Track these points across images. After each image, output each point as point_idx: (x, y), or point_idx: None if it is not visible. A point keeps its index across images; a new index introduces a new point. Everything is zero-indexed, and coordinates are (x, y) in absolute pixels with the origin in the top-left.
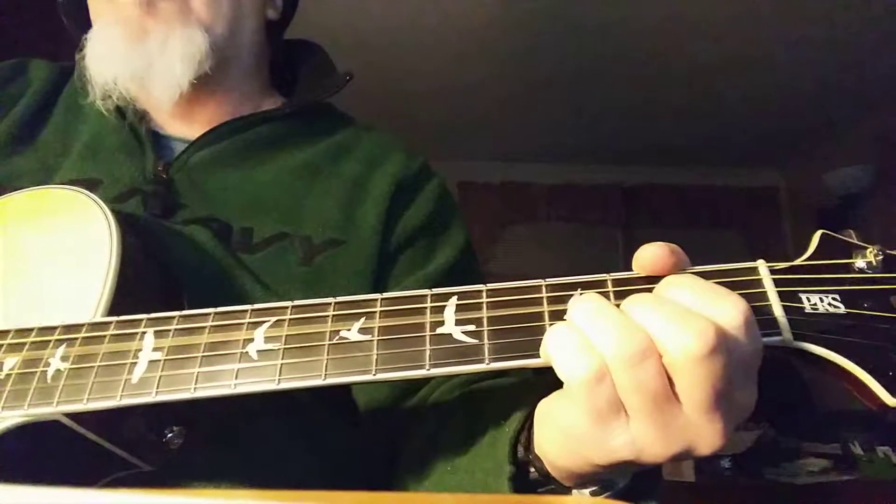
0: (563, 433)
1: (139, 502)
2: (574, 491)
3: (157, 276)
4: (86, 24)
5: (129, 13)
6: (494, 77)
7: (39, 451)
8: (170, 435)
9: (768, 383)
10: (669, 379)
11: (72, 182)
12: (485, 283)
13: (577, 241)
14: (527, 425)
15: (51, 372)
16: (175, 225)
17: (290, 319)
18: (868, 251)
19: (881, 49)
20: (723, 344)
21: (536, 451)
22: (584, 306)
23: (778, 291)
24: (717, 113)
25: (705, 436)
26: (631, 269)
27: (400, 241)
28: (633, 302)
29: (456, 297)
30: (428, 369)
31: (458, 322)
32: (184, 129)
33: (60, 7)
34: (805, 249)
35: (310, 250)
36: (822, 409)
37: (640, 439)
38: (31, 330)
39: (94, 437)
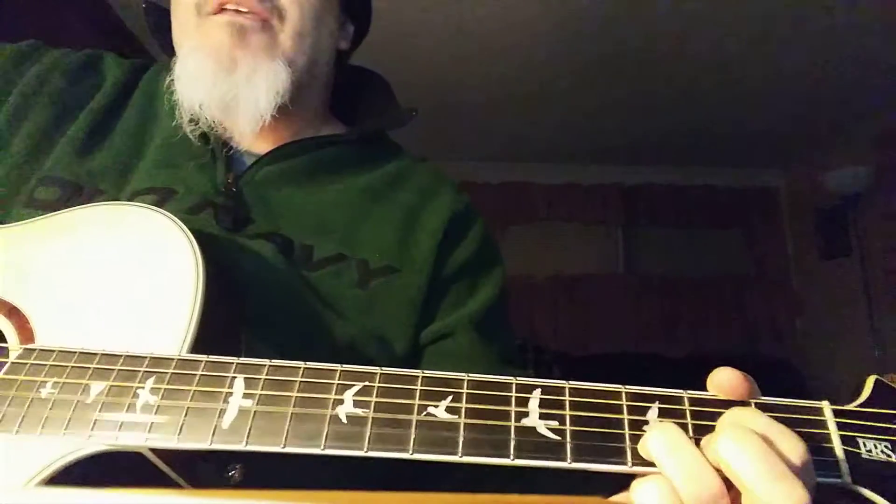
0: None
1: (139, 502)
2: None
3: (231, 300)
4: (165, 29)
5: (221, 42)
6: (495, 77)
7: (111, 476)
8: (232, 473)
9: (769, 386)
10: None
11: (148, 190)
12: (510, 324)
13: (577, 241)
14: None
15: (140, 404)
16: (241, 238)
17: (378, 387)
18: None
19: (881, 49)
20: None
21: None
22: (664, 443)
23: (840, 435)
24: (717, 113)
25: None
26: (631, 271)
27: (448, 274)
28: (733, 444)
29: (540, 390)
30: (512, 459)
31: (542, 416)
32: (252, 144)
33: (143, 10)
34: (806, 251)
35: (366, 274)
36: None
37: None
38: (119, 357)
39: (166, 469)
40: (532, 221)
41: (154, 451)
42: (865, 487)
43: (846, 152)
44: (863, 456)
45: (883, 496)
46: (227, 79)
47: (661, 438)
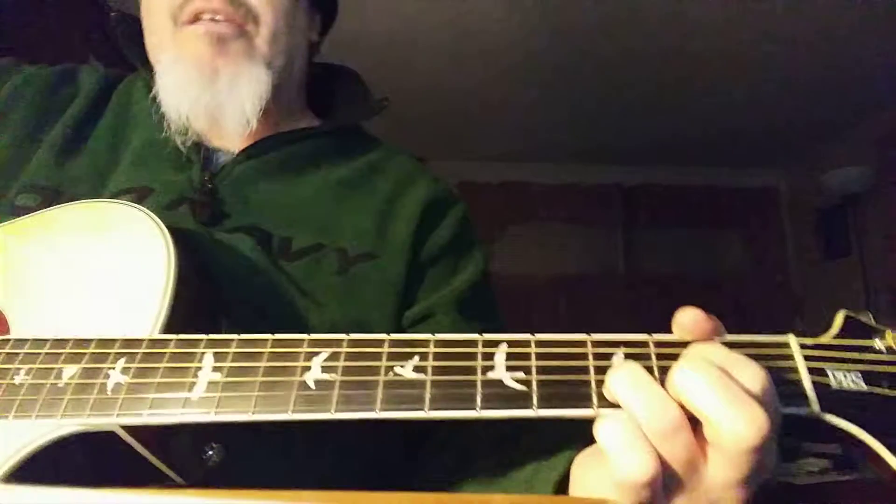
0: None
1: (139, 502)
2: None
3: (205, 285)
4: (136, 39)
5: (202, 52)
6: (495, 77)
7: (86, 459)
8: (210, 453)
9: None
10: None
11: (126, 190)
12: (498, 304)
13: (577, 241)
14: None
15: (111, 384)
16: (220, 232)
17: (346, 352)
18: (887, 334)
19: (881, 49)
20: (772, 437)
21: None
22: (624, 380)
23: (808, 367)
24: (717, 113)
25: (729, 501)
26: (631, 271)
27: (426, 258)
28: (686, 374)
29: (506, 343)
30: (479, 411)
31: (508, 368)
32: (226, 141)
33: (117, 30)
34: (806, 250)
35: (345, 262)
36: None
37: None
38: (91, 341)
39: (141, 450)
40: (532, 221)
41: (127, 430)
42: (834, 416)
43: (846, 152)
44: (832, 387)
45: (855, 423)
46: (210, 88)
47: (621, 375)
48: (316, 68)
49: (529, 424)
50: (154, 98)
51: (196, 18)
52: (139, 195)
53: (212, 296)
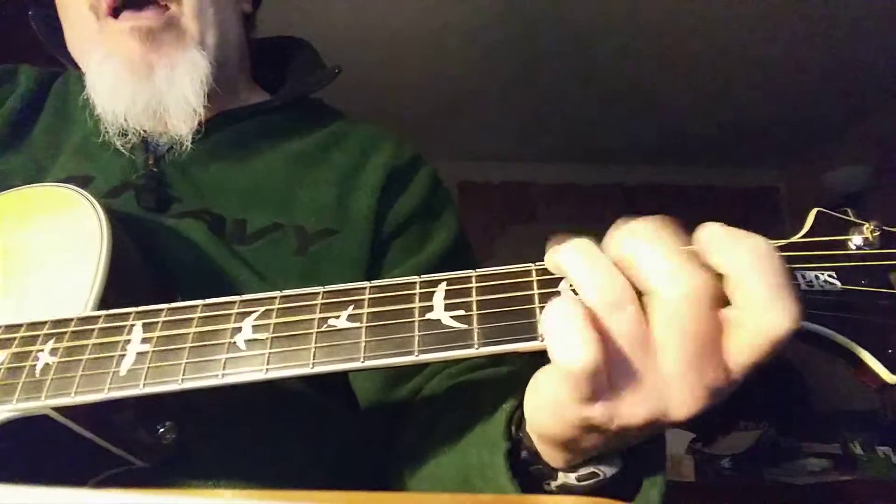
0: (545, 406)
1: (138, 502)
2: (560, 474)
3: (149, 270)
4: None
5: (131, 49)
6: (494, 77)
7: (30, 447)
8: (161, 430)
9: (768, 383)
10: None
11: (64, 180)
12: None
13: None
14: (520, 406)
15: (39, 366)
16: (168, 219)
17: (278, 309)
18: (865, 227)
19: (881, 49)
20: (719, 296)
21: (527, 428)
22: (568, 252)
23: None
24: (718, 113)
25: (680, 398)
26: None
27: (392, 229)
28: (627, 234)
29: (445, 282)
30: (417, 355)
31: (448, 307)
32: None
33: (37, 28)
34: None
35: (304, 240)
36: (822, 409)
37: (616, 398)
38: (20, 326)
39: (85, 433)
40: (532, 221)
41: (61, 412)
42: (804, 321)
43: (846, 152)
44: (801, 288)
45: (828, 326)
46: (148, 85)
47: (568, 248)
48: (266, 42)
49: (488, 383)
50: (86, 100)
51: (117, 9)
52: (79, 184)
53: (161, 285)
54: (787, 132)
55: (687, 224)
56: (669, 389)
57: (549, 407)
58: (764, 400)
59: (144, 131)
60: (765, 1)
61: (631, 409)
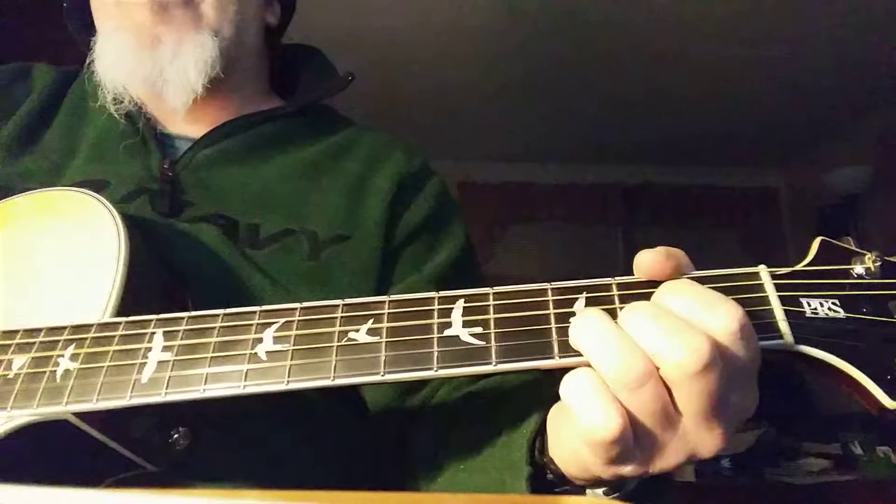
0: (571, 454)
1: (139, 502)
2: (588, 491)
3: (163, 276)
4: (91, 28)
5: (141, 19)
6: (494, 77)
7: (47, 450)
8: (176, 436)
9: (768, 383)
10: (669, 391)
11: (79, 184)
12: (484, 279)
13: (577, 242)
14: (541, 429)
15: (60, 372)
16: (182, 223)
17: (298, 321)
18: (867, 257)
19: (881, 49)
20: (717, 357)
21: (550, 454)
22: (586, 331)
23: (779, 296)
24: (717, 113)
25: (705, 441)
26: (631, 271)
27: (402, 238)
28: (630, 315)
29: (463, 299)
30: (436, 370)
31: (466, 324)
32: (188, 128)
33: (65, 11)
34: (805, 251)
35: (316, 246)
36: (823, 409)
37: (646, 457)
38: (40, 330)
39: (101, 437)
40: (532, 221)
41: (80, 417)
42: (809, 346)
43: (846, 152)
44: (807, 315)
45: (832, 352)
46: (151, 56)
47: (582, 323)
48: (280, 51)
49: (505, 395)
50: (90, 66)
51: None
52: (94, 189)
53: (175, 288)
54: (787, 132)
55: (687, 224)
56: (696, 437)
57: (577, 464)
58: (764, 400)
59: (140, 101)
60: (765, 1)
61: (661, 462)
